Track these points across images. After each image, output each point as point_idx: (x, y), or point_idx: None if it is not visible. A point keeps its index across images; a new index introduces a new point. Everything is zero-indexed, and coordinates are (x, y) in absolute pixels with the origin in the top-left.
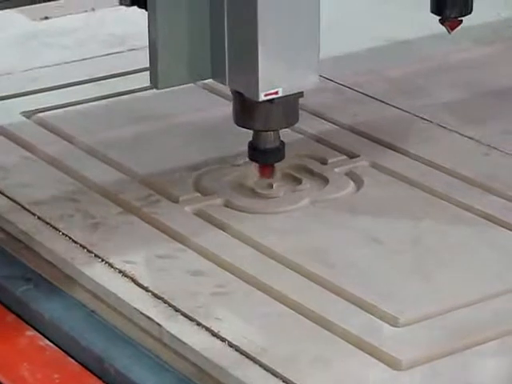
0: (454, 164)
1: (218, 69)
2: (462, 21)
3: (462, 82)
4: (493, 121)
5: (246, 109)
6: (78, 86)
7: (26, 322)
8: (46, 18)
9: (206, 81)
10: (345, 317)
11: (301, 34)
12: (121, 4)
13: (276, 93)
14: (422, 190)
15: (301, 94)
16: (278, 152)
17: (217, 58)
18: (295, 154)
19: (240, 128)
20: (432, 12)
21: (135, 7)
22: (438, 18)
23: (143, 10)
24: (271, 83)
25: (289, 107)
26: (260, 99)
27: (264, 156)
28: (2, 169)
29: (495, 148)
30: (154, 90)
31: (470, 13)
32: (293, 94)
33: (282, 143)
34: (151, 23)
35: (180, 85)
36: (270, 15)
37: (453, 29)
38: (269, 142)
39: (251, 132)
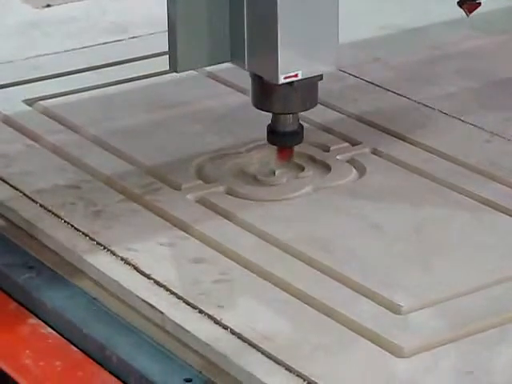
0: (456, 151)
1: (237, 52)
2: (480, 3)
3: (466, 70)
4: (495, 109)
5: (265, 92)
6: (79, 74)
7: (29, 310)
8: (48, 5)
9: (209, 69)
10: (347, 304)
11: (320, 17)
12: None
13: (296, 76)
14: (425, 177)
15: (320, 77)
16: (297, 135)
17: (236, 41)
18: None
19: (246, 116)
20: None
21: None
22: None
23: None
24: (291, 66)
25: (308, 90)
26: (280, 82)
27: (283, 139)
28: (5, 157)
29: (497, 135)
30: (156, 79)
31: None
32: (312, 77)
33: (301, 126)
34: (171, 5)
35: (199, 67)
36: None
37: (471, 12)
38: (288, 124)
39: (258, 121)
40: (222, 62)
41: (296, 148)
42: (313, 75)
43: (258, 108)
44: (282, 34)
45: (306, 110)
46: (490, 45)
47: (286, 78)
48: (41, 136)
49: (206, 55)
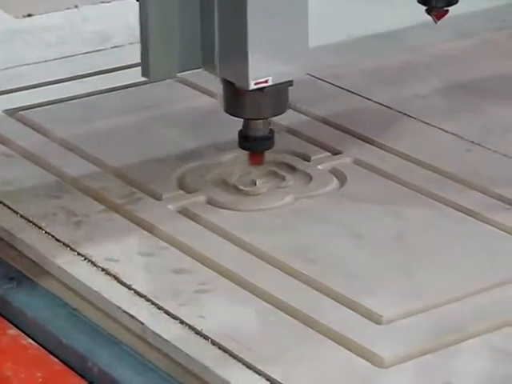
0: (436, 160)
1: (209, 58)
2: (448, 11)
3: (440, 75)
4: (473, 116)
5: (236, 97)
6: (60, 84)
7: (9, 321)
8: (29, 15)
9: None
10: (327, 314)
11: (290, 24)
12: None
13: (266, 81)
14: (405, 186)
15: (290, 83)
16: (268, 140)
17: (207, 47)
18: (278, 151)
19: (219, 120)
20: (418, 2)
21: (119, 2)
22: (424, 7)
23: (127, 6)
24: (261, 72)
25: (278, 96)
26: (250, 88)
27: (254, 144)
28: None
29: (478, 144)
30: (133, 87)
31: (456, 3)
32: (283, 83)
33: (272, 131)
34: (142, 14)
35: (171, 75)
36: (259, 5)
37: (439, 19)
38: (259, 130)
39: (231, 124)
40: (194, 69)
41: (277, 157)
42: (283, 81)
43: (229, 113)
44: (251, 39)
45: (277, 115)
46: (464, 48)
47: (256, 83)
48: (21, 146)
49: (177, 62)
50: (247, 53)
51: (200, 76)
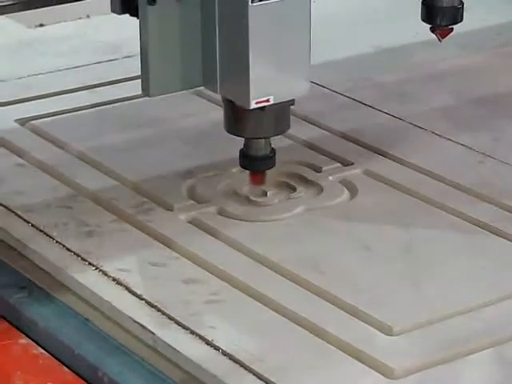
0: (447, 171)
1: (210, 77)
2: (452, 29)
3: (450, 88)
4: (484, 128)
5: (236, 116)
6: (71, 94)
7: (20, 330)
8: (41, 25)
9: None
10: (338, 325)
11: (292, 43)
12: (112, 12)
13: (267, 100)
14: (416, 197)
15: (292, 102)
16: (269, 159)
17: (208, 65)
18: (289, 162)
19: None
20: (423, 20)
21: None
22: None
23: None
24: (262, 91)
25: (280, 115)
26: (251, 107)
27: (255, 163)
28: None
29: (489, 156)
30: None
31: (460, 21)
32: (284, 102)
33: (273, 150)
34: (143, 31)
35: (171, 92)
36: (260, 24)
37: (443, 37)
38: (259, 149)
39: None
40: (195, 87)
41: (288, 168)
42: (285, 100)
43: (229, 133)
44: (253, 58)
45: (278, 134)
46: (474, 63)
47: (257, 102)
48: (32, 155)
49: (178, 80)
50: (248, 71)
51: None
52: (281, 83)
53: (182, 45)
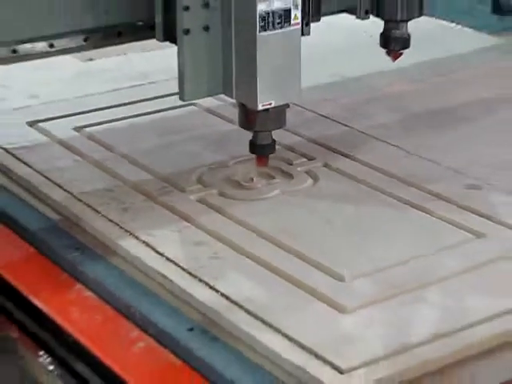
0: (385, 165)
1: (228, 86)
2: (402, 53)
3: (392, 107)
4: (413, 135)
5: (247, 115)
6: (113, 109)
7: (76, 279)
8: (91, 59)
9: (208, 106)
10: (307, 275)
11: (287, 62)
12: (157, 39)
13: (270, 104)
14: (363, 184)
15: (288, 105)
16: (271, 146)
17: (227, 78)
18: (270, 158)
19: (236, 137)
20: (381, 46)
21: (156, 51)
22: (385, 50)
23: (161, 54)
24: (266, 97)
25: (279, 114)
26: (258, 109)
27: (261, 149)
28: (60, 169)
29: (414, 154)
30: (170, 111)
31: (408, 47)
32: (282, 105)
33: (274, 140)
34: (179, 54)
35: (200, 98)
36: (265, 49)
37: (396, 59)
38: (264, 139)
39: (243, 142)
40: (217, 94)
41: (269, 163)
42: (282, 104)
43: (242, 127)
44: (259, 73)
45: (277, 128)
46: (411, 89)
47: (263, 105)
48: (85, 154)
49: (205, 89)
50: (256, 83)
51: (223, 107)
52: (280, 91)
53: (207, 63)
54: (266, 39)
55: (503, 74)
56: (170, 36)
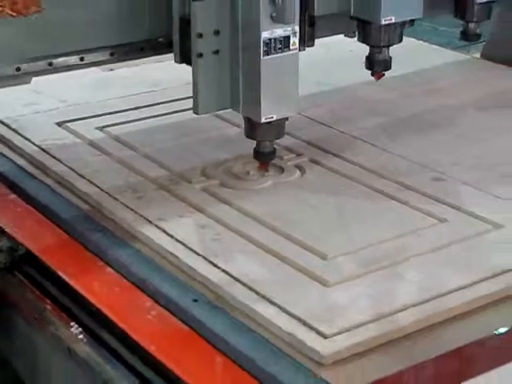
0: (363, 161)
1: (235, 101)
2: (384, 74)
3: (372, 113)
4: (388, 136)
5: (252, 127)
6: (130, 111)
7: (99, 257)
8: (111, 69)
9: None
10: (294, 254)
11: (286, 81)
12: (175, 62)
13: (272, 117)
14: (343, 176)
15: (287, 119)
16: (272, 154)
17: (234, 95)
18: None
19: (236, 139)
20: (366, 68)
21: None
22: (370, 71)
23: (173, 64)
24: (268, 111)
25: (279, 126)
26: (261, 121)
27: (263, 156)
28: (84, 163)
29: (389, 151)
30: (180, 113)
31: (389, 69)
32: (281, 119)
33: (274, 149)
34: (194, 73)
35: (211, 112)
36: (268, 70)
37: (379, 78)
38: (266, 147)
39: (242, 143)
40: (226, 109)
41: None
42: (282, 117)
43: (248, 137)
44: (263, 91)
45: (278, 139)
46: (387, 97)
47: (266, 118)
48: (106, 150)
49: (216, 103)
50: (260, 99)
51: (228, 113)
52: (279, 106)
53: (218, 82)
54: (269, 62)
55: (465, 85)
56: (185, 58)
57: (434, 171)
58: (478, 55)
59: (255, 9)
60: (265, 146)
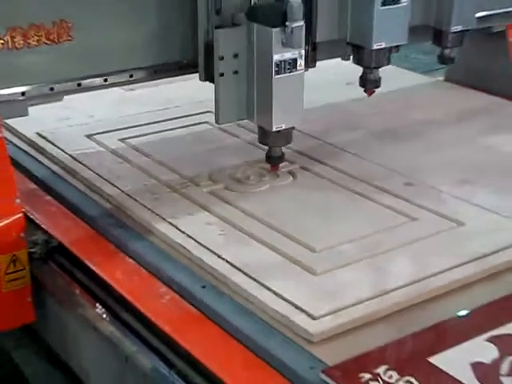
0: (346, 167)
1: (250, 112)
2: (375, 91)
3: (355, 127)
4: (368, 147)
5: (265, 134)
6: (148, 125)
7: (120, 249)
8: (131, 89)
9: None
10: (286, 246)
11: (294, 95)
12: (200, 80)
13: (281, 126)
14: (329, 180)
15: (293, 128)
16: (281, 158)
17: (250, 107)
18: (262, 161)
19: (239, 149)
20: (359, 86)
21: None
22: (362, 88)
23: (184, 85)
24: (279, 121)
25: (287, 134)
26: (273, 130)
27: (274, 160)
28: (109, 170)
29: (368, 160)
30: (190, 127)
31: (379, 87)
32: (289, 128)
33: (283, 153)
34: (216, 89)
35: (230, 122)
36: (279, 87)
37: (370, 95)
38: (277, 152)
39: (248, 153)
40: (243, 119)
41: (263, 165)
42: (290, 126)
43: (261, 143)
44: (275, 104)
45: (286, 145)
46: (368, 113)
47: (276, 127)
48: (127, 158)
49: (234, 114)
50: (272, 111)
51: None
52: (288, 117)
53: (236, 97)
54: (279, 80)
55: (432, 104)
56: (209, 77)
57: (405, 177)
58: (441, 78)
59: (268, 36)
60: (275, 151)
